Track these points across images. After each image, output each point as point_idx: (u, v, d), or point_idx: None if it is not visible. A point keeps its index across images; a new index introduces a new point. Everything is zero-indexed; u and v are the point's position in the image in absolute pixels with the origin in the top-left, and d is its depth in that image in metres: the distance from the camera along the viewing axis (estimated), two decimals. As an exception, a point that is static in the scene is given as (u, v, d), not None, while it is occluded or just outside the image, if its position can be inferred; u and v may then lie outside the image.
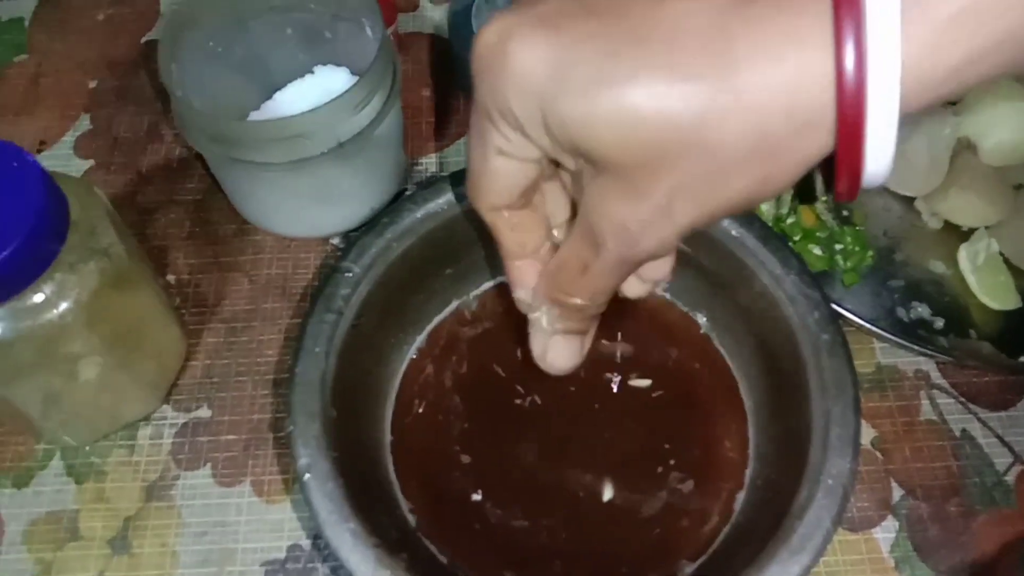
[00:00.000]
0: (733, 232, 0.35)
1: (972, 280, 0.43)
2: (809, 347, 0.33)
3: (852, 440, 0.31)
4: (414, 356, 0.39)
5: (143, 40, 0.55)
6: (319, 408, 0.32)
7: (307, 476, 0.30)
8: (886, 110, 0.20)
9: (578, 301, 0.27)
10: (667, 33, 0.20)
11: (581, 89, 0.21)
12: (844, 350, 0.33)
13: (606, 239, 0.24)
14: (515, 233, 0.28)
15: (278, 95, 0.44)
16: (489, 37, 0.22)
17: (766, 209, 0.43)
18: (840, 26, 0.19)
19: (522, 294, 0.30)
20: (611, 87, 0.21)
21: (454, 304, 0.40)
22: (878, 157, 0.21)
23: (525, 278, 0.29)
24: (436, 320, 0.40)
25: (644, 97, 0.20)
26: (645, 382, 0.38)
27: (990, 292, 0.43)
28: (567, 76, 0.21)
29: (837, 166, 0.21)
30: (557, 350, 0.30)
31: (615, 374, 0.39)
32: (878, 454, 0.39)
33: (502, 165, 0.25)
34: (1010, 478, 0.39)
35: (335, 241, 0.46)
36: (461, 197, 0.37)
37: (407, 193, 0.47)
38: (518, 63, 0.22)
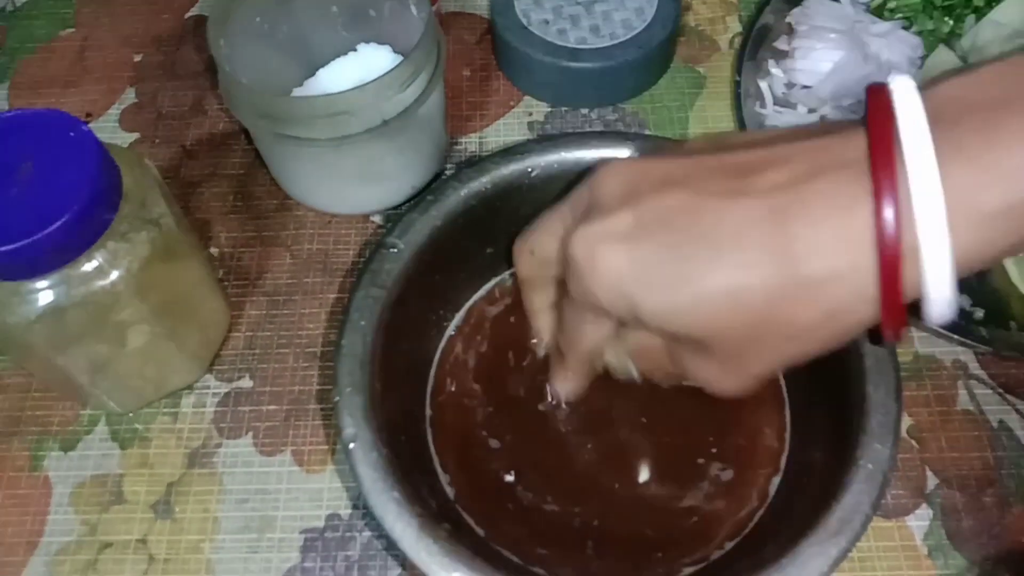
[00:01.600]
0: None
1: (1014, 271, 0.43)
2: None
3: (893, 426, 0.31)
4: (452, 334, 0.40)
5: (187, 16, 0.55)
6: (364, 381, 0.32)
7: (352, 445, 0.30)
8: (936, 258, 0.22)
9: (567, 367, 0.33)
10: (732, 234, 0.24)
11: (665, 288, 0.25)
12: (886, 336, 0.32)
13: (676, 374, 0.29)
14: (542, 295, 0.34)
15: (321, 72, 0.45)
16: (579, 250, 0.26)
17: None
18: (879, 190, 0.22)
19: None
20: (690, 284, 0.25)
21: (492, 283, 0.41)
22: (936, 299, 0.23)
23: (549, 327, 0.35)
24: (474, 299, 0.40)
25: (719, 292, 0.24)
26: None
27: (1032, 284, 0.42)
28: (651, 280, 0.25)
29: (881, 316, 0.24)
30: (561, 381, 0.35)
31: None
32: (914, 442, 0.39)
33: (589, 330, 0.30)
34: (1047, 471, 0.38)
35: (376, 219, 0.46)
36: (504, 176, 0.37)
37: (447, 172, 0.47)
38: (606, 271, 0.26)
